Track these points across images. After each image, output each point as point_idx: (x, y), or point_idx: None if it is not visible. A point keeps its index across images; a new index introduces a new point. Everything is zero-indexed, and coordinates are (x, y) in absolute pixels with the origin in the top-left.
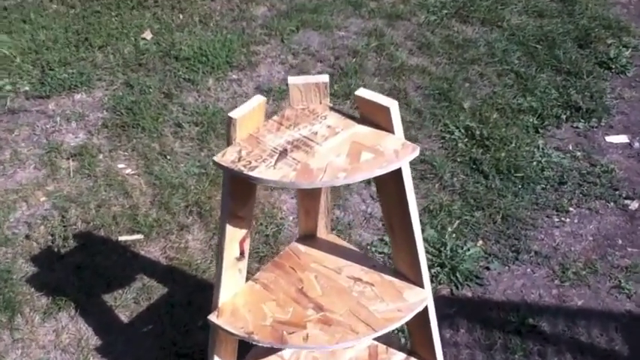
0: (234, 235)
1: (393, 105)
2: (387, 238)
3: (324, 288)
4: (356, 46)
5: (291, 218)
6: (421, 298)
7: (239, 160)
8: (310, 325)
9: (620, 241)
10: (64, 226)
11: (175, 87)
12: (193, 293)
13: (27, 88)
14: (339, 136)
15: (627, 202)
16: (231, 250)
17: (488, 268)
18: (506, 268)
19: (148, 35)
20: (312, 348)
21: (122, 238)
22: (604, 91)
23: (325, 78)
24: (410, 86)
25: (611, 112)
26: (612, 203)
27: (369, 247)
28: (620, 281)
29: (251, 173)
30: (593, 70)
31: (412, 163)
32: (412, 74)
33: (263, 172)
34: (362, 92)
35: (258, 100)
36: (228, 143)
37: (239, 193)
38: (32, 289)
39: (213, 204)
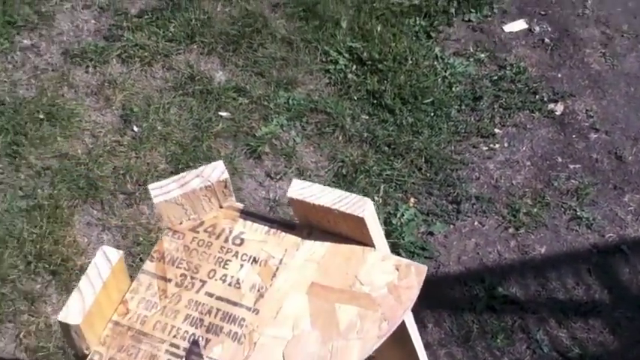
0: None
1: (366, 208)
2: None
3: None
4: None
5: None
6: None
7: None
8: None
9: (559, 159)
10: None
11: None
12: None
13: None
14: (281, 280)
15: (551, 106)
16: None
17: (431, 234)
18: (451, 227)
19: None
20: None
21: None
22: None
23: (220, 173)
24: (266, 6)
25: None
26: (537, 112)
27: None
28: (575, 210)
29: None
30: None
31: (303, 116)
32: None
33: None
34: (298, 192)
35: (112, 257)
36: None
37: None
38: None
39: (63, 250)
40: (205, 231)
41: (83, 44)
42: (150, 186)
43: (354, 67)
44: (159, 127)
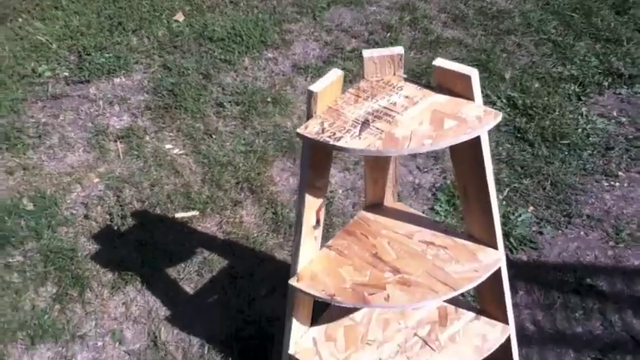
0: (312, 204)
1: (473, 73)
2: (437, 207)
3: (398, 252)
4: (389, 20)
5: (340, 191)
6: (496, 258)
7: (323, 131)
8: (389, 286)
9: None
10: (120, 206)
11: (212, 68)
12: (254, 265)
13: (66, 74)
14: (418, 106)
15: None
16: (309, 218)
17: (541, 233)
18: (559, 232)
19: (180, 17)
20: (394, 307)
21: (178, 215)
22: None
23: (400, 50)
24: (447, 58)
25: None
26: None
27: None
28: None
29: (337, 143)
30: (633, 37)
31: None
32: (448, 47)
33: (349, 142)
34: (440, 62)
35: (336, 73)
36: (309, 116)
37: (318, 164)
38: (97, 266)
39: (263, 180)
40: (383, 82)
41: (307, 63)
42: (364, 50)
43: (508, 109)
44: None
